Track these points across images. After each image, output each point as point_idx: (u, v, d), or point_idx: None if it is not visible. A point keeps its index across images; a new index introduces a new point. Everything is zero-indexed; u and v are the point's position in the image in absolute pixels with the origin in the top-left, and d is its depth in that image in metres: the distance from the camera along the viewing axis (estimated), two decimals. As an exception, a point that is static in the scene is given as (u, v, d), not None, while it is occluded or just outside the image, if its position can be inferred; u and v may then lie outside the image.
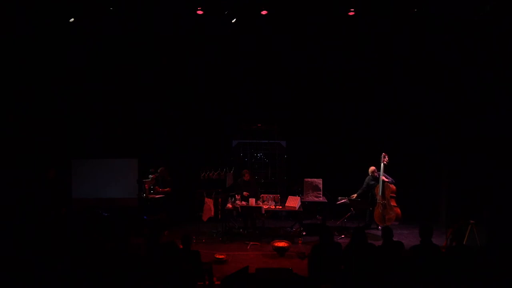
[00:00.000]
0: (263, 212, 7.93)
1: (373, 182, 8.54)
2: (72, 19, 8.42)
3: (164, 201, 8.56)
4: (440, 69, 9.15)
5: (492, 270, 4.98)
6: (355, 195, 8.51)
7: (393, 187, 8.28)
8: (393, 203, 8.23)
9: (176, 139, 10.14)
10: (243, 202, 8.20)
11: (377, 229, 8.50)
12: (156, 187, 8.68)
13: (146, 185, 8.49)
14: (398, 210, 8.18)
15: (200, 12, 8.38)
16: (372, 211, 8.55)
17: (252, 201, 8.11)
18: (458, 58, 8.62)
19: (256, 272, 5.03)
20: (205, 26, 8.92)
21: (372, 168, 8.52)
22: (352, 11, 8.29)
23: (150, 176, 8.69)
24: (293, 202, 8.05)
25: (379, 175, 8.35)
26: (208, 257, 6.59)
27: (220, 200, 8.41)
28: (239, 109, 10.23)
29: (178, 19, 8.71)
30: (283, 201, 8.25)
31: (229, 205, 8.19)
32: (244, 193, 8.42)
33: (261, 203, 8.17)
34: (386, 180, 8.32)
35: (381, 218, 8.25)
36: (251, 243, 7.76)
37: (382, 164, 8.35)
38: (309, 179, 8.59)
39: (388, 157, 8.39)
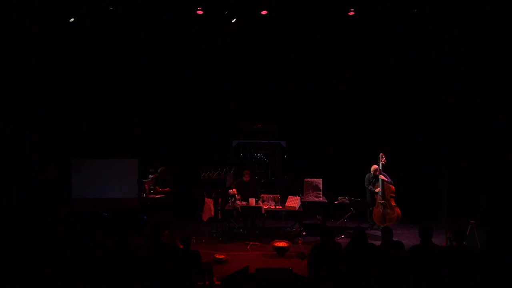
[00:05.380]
0: (263, 212, 7.93)
1: (373, 180, 8.57)
2: (72, 19, 8.43)
3: (164, 201, 8.57)
4: (440, 69, 9.16)
5: (492, 270, 4.97)
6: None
7: (392, 187, 8.30)
8: (393, 203, 8.26)
9: (176, 139, 10.15)
10: (243, 202, 8.20)
11: (377, 229, 8.50)
12: (156, 187, 8.68)
13: (146, 185, 8.49)
14: (399, 210, 8.20)
15: (200, 12, 8.40)
16: (371, 211, 8.57)
17: (252, 201, 8.11)
18: (458, 58, 8.62)
19: (256, 272, 5.03)
20: (206, 25, 8.93)
21: (375, 166, 8.54)
22: (352, 11, 8.30)
23: (150, 176, 8.70)
24: (293, 202, 8.05)
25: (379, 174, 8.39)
26: (208, 257, 6.58)
27: (220, 200, 8.40)
28: (239, 109, 10.23)
29: (178, 19, 8.72)
30: (283, 201, 8.25)
31: (229, 205, 8.20)
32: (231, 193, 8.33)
33: (261, 203, 8.17)
34: (386, 180, 8.34)
35: (382, 218, 8.27)
36: (251, 243, 7.76)
37: (380, 164, 8.39)
38: (309, 179, 8.59)
39: (385, 157, 8.42)
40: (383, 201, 8.28)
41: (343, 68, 9.94)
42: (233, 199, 8.23)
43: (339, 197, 8.50)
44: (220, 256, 6.80)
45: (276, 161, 10.27)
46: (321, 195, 8.53)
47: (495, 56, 7.64)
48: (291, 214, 9.15)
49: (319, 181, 8.55)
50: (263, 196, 8.35)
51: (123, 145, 9.78)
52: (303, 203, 8.24)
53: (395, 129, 9.89)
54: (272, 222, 9.18)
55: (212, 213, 8.16)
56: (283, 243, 7.26)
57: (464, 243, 5.02)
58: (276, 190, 9.25)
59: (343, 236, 8.10)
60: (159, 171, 8.76)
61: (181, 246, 5.28)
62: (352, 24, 8.76)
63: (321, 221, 8.98)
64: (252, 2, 8.27)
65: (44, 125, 9.29)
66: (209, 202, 8.17)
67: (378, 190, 8.39)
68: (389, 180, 8.37)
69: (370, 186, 8.62)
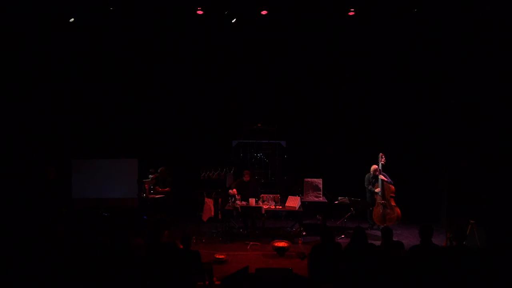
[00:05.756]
0: (263, 212, 7.93)
1: (373, 180, 8.58)
2: (72, 19, 8.43)
3: (164, 201, 8.57)
4: (440, 69, 9.17)
5: (492, 270, 4.97)
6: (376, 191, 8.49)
7: (392, 187, 8.30)
8: (393, 203, 8.26)
9: (176, 139, 10.15)
10: (243, 202, 8.20)
11: (377, 229, 8.50)
12: (156, 187, 8.68)
13: (146, 185, 8.49)
14: (399, 210, 8.20)
15: (200, 12, 8.40)
16: (371, 211, 8.58)
17: (252, 201, 8.11)
18: (458, 58, 8.63)
19: (256, 272, 5.03)
20: (206, 25, 8.94)
21: (374, 166, 8.54)
22: (352, 11, 8.30)
23: (150, 176, 8.70)
24: (293, 202, 8.05)
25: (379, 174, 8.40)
26: (208, 257, 6.59)
27: (220, 200, 8.39)
28: (239, 109, 10.24)
29: (178, 19, 8.72)
30: (283, 201, 8.24)
31: (229, 205, 8.20)
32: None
33: (261, 203, 8.17)
34: (385, 180, 8.34)
35: (382, 218, 8.28)
36: (251, 243, 7.76)
37: (380, 164, 8.39)
38: (309, 179, 8.59)
39: (385, 157, 8.42)
40: (383, 201, 8.28)
41: (343, 68, 9.94)
42: (233, 199, 8.23)
43: (339, 197, 8.50)
44: (220, 256, 6.80)
45: (276, 161, 10.27)
46: (321, 195, 8.53)
47: (495, 56, 7.65)
48: (291, 214, 9.15)
49: (319, 181, 8.55)
50: (263, 196, 8.35)
51: (123, 145, 9.78)
52: (303, 203, 8.24)
53: (395, 129, 9.89)
54: (272, 222, 9.18)
55: (212, 213, 8.16)
56: (283, 243, 7.26)
57: (464, 243, 5.01)
58: (276, 190, 9.25)
59: (343, 236, 8.10)
60: (159, 171, 8.76)
61: (181, 246, 5.28)
62: (352, 24, 8.76)
63: (321, 221, 8.98)
64: (252, 2, 8.27)
65: (44, 125, 9.29)
66: (209, 202, 8.17)
67: (377, 190, 8.39)
68: (389, 180, 8.38)
69: (370, 186, 8.62)
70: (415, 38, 9.04)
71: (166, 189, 8.71)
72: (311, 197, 8.52)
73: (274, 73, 10.02)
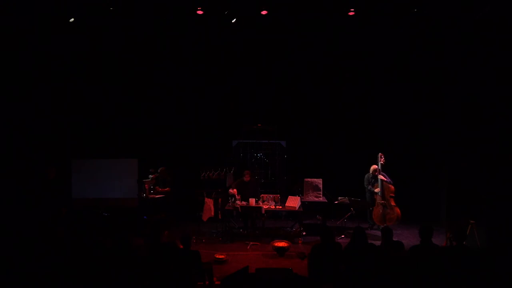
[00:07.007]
0: (263, 212, 7.93)
1: (373, 180, 8.58)
2: (72, 19, 8.43)
3: (164, 201, 8.57)
4: (440, 69, 9.17)
5: (492, 270, 4.97)
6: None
7: (391, 187, 8.30)
8: (393, 203, 8.25)
9: (176, 139, 10.14)
10: (243, 202, 8.20)
11: (377, 229, 8.50)
12: (156, 187, 8.68)
13: (146, 185, 8.49)
14: (398, 210, 8.20)
15: (200, 12, 8.40)
16: (371, 211, 8.58)
17: (252, 201, 8.11)
18: (458, 58, 8.63)
19: (256, 272, 5.03)
20: (206, 25, 8.94)
21: (374, 166, 8.54)
22: (352, 11, 8.31)
23: (150, 176, 8.70)
24: (293, 202, 8.05)
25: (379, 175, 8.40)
26: (208, 257, 6.59)
27: (220, 200, 8.39)
28: (239, 109, 10.24)
29: (178, 19, 8.72)
30: (283, 201, 8.25)
31: (229, 205, 8.20)
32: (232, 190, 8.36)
33: (261, 203, 8.17)
34: (385, 180, 8.34)
35: (382, 218, 8.27)
36: (251, 243, 7.76)
37: (379, 164, 8.39)
38: (309, 179, 8.59)
39: (384, 157, 8.42)
40: (382, 201, 8.28)
41: (343, 68, 9.94)
42: (233, 199, 8.23)
43: (339, 197, 8.50)
44: (220, 256, 6.80)
45: (276, 161, 10.26)
46: (321, 195, 8.53)
47: (495, 56, 7.64)
48: (291, 214, 9.15)
49: (319, 181, 8.55)
50: (263, 196, 8.35)
51: (123, 145, 9.77)
52: (303, 203, 8.24)
53: (395, 129, 9.89)
54: (272, 222, 9.18)
55: (212, 213, 8.16)
56: (283, 243, 7.26)
57: (464, 243, 5.01)
58: (276, 190, 9.25)
59: (343, 236, 8.10)
60: (159, 171, 8.76)
61: (181, 246, 5.28)
62: (352, 24, 8.76)
63: (321, 221, 8.98)
64: (252, 2, 8.28)
65: (44, 125, 9.28)
66: (209, 202, 8.17)
67: (377, 190, 8.39)
68: (389, 180, 8.37)
69: (370, 186, 8.62)
70: (415, 38, 9.04)
71: (166, 189, 8.71)
72: (311, 197, 8.52)
73: (274, 73, 10.02)
